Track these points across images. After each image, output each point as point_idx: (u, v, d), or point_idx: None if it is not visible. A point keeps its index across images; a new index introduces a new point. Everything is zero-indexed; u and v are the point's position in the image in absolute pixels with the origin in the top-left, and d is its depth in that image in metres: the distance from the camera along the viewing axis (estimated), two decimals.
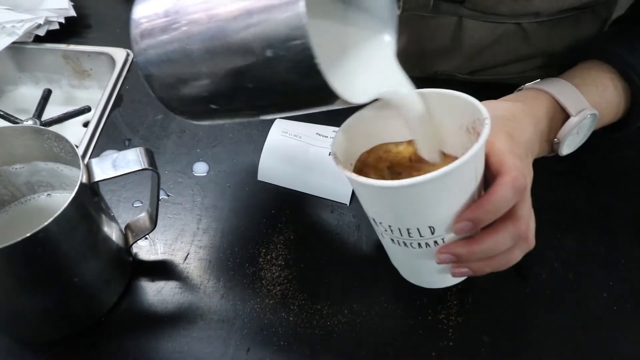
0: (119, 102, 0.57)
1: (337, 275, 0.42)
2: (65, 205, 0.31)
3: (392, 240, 0.34)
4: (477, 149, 0.29)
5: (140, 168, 0.34)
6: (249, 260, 0.43)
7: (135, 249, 0.43)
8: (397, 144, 0.37)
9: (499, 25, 0.51)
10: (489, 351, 0.38)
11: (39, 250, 0.31)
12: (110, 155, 0.35)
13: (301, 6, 0.23)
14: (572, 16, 0.50)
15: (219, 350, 0.38)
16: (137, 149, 0.35)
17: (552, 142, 0.42)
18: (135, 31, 0.29)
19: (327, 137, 0.51)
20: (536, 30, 0.51)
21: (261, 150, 0.49)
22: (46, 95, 0.62)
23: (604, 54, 0.44)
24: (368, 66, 0.31)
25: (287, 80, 0.26)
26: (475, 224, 0.31)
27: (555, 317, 0.40)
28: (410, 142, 0.37)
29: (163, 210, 0.46)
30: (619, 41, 0.44)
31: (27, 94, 0.65)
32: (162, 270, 0.42)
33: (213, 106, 0.30)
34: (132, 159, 0.35)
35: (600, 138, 0.45)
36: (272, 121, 0.52)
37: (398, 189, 0.29)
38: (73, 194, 0.31)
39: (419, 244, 0.33)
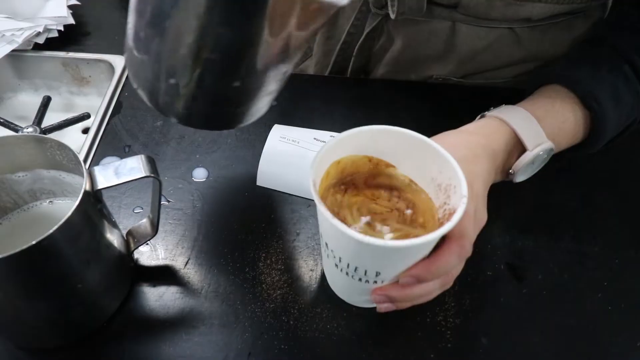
0: (118, 108, 0.57)
1: None
2: (70, 213, 0.31)
3: (336, 265, 0.36)
4: (447, 228, 0.30)
5: (142, 175, 0.35)
6: (249, 265, 0.43)
7: (136, 254, 0.44)
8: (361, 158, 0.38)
9: (492, 30, 0.52)
10: (487, 352, 0.39)
11: (43, 258, 0.31)
12: (113, 163, 0.35)
13: None
14: (564, 21, 0.51)
15: (220, 355, 0.38)
16: (139, 156, 0.36)
17: (507, 172, 0.43)
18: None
19: (324, 142, 0.51)
20: (528, 34, 0.52)
21: (260, 156, 0.50)
22: (46, 103, 0.62)
23: (566, 79, 0.44)
24: None
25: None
26: (418, 281, 0.34)
27: (552, 318, 0.41)
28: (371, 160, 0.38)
29: (163, 216, 0.47)
30: (583, 65, 0.45)
31: (26, 101, 0.66)
32: (164, 275, 0.43)
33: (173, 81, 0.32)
34: (134, 167, 0.35)
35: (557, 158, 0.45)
36: (270, 127, 0.52)
37: (367, 244, 0.30)
38: (77, 202, 0.32)
39: (360, 279, 0.35)
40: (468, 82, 0.58)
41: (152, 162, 0.36)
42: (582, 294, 0.43)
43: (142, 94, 0.36)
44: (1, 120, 0.60)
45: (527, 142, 0.41)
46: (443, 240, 0.34)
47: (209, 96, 0.34)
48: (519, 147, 0.42)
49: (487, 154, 0.39)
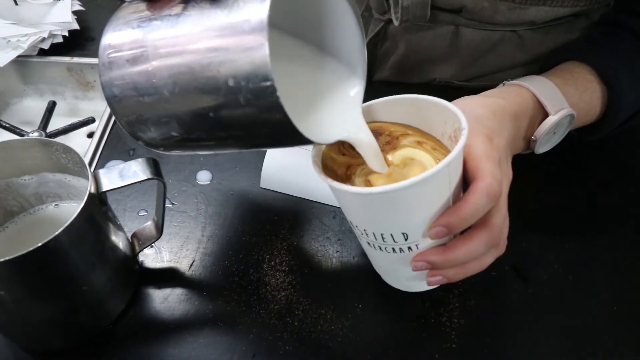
0: None
1: (340, 280, 0.43)
2: (75, 215, 0.32)
3: (369, 243, 0.35)
4: (449, 159, 0.29)
5: (147, 178, 0.35)
6: (254, 267, 0.44)
7: (141, 257, 0.44)
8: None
9: (495, 33, 0.52)
10: (491, 353, 0.39)
11: (49, 260, 0.32)
12: (117, 166, 0.36)
13: (266, 48, 0.24)
14: (566, 22, 0.51)
15: (225, 356, 0.38)
16: (143, 159, 0.36)
17: (529, 140, 0.42)
18: (103, 58, 0.30)
19: None
20: (531, 36, 0.52)
21: (263, 158, 0.50)
22: (51, 107, 0.63)
23: (585, 55, 0.45)
24: (333, 110, 0.33)
25: (250, 115, 0.27)
26: (449, 230, 0.31)
27: (556, 318, 0.41)
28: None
29: (168, 219, 0.47)
30: (600, 43, 0.45)
31: (31, 106, 0.66)
32: (168, 277, 0.43)
33: (175, 134, 0.30)
34: (138, 169, 0.35)
35: (575, 141, 0.46)
36: None
37: (371, 195, 0.29)
38: (82, 204, 0.32)
39: (393, 249, 0.33)
40: (471, 84, 0.58)
41: (156, 165, 0.36)
42: (587, 294, 0.42)
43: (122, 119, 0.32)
44: (7, 125, 0.60)
45: (549, 106, 0.40)
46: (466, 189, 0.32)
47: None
48: (540, 113, 0.41)
49: (506, 113, 0.38)
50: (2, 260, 0.29)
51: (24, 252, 0.30)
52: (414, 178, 0.28)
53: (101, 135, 0.56)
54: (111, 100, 0.30)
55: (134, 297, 0.42)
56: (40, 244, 0.30)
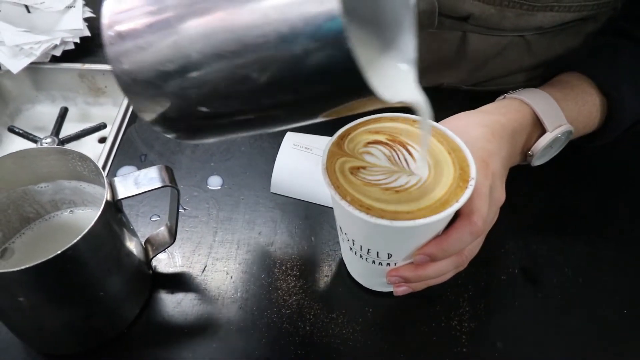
0: (134, 118, 0.58)
1: (351, 284, 0.43)
2: (92, 223, 0.32)
3: (351, 249, 0.37)
4: (455, 208, 0.31)
5: (161, 185, 0.36)
6: (265, 271, 0.44)
7: (154, 262, 0.45)
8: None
9: (503, 38, 0.52)
10: (502, 357, 0.39)
11: (68, 267, 0.32)
12: (132, 174, 0.36)
13: None
14: (574, 26, 0.51)
15: (239, 359, 0.39)
16: (158, 166, 0.37)
17: (525, 154, 0.43)
18: (107, 23, 0.24)
19: None
20: (539, 40, 0.52)
21: (273, 163, 0.51)
22: (63, 113, 0.64)
23: (586, 66, 0.45)
24: (394, 71, 0.31)
25: (307, 69, 0.21)
26: (431, 259, 0.34)
27: (567, 322, 0.41)
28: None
29: (180, 224, 0.47)
30: (602, 54, 0.46)
31: (44, 112, 0.67)
32: (181, 282, 0.44)
33: (204, 109, 0.24)
34: (153, 177, 0.36)
35: (576, 147, 0.47)
36: (283, 135, 0.53)
37: (375, 224, 0.31)
38: (99, 212, 0.33)
39: (374, 261, 0.36)
40: (479, 89, 0.59)
41: (170, 172, 0.37)
42: (597, 297, 0.43)
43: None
44: (20, 131, 0.61)
45: (547, 123, 0.41)
46: (456, 217, 0.34)
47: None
48: (538, 128, 0.42)
49: (505, 132, 0.39)
50: (22, 268, 0.30)
51: (43, 260, 0.30)
52: (423, 220, 0.31)
53: (113, 140, 0.56)
54: (122, 75, 0.24)
55: (148, 302, 0.42)
56: (59, 252, 0.31)
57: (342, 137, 0.36)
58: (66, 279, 0.33)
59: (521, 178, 0.44)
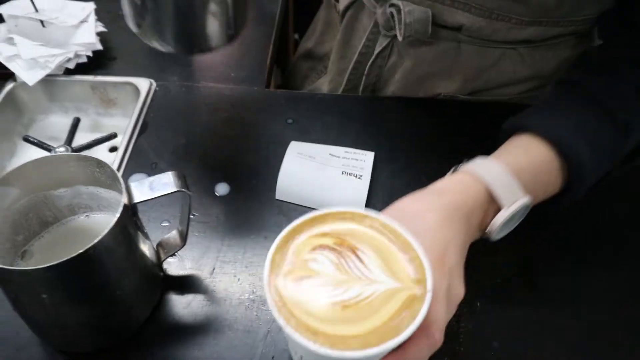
0: (144, 128, 0.61)
1: None
2: (111, 225, 0.34)
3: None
4: (409, 332, 0.29)
5: (175, 190, 0.38)
6: None
7: (165, 265, 0.47)
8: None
9: (495, 50, 0.55)
10: (499, 356, 0.41)
11: (88, 266, 0.34)
12: (147, 179, 0.39)
13: None
14: (564, 41, 0.54)
15: (246, 357, 0.41)
16: (172, 172, 0.39)
17: (483, 231, 0.40)
18: None
19: (339, 157, 0.55)
20: (531, 53, 0.55)
21: (278, 171, 0.53)
22: (75, 123, 0.66)
23: (539, 128, 0.41)
24: None
25: None
26: None
27: (563, 322, 0.43)
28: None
29: (189, 229, 0.49)
30: (555, 112, 0.43)
31: (56, 122, 0.69)
32: (191, 284, 0.46)
33: None
34: (167, 182, 0.38)
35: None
36: (287, 144, 0.56)
37: (322, 355, 0.29)
38: (118, 215, 0.35)
39: None
40: (474, 98, 0.61)
41: (183, 178, 0.39)
42: (591, 298, 0.45)
43: None
44: (35, 141, 0.64)
45: (503, 199, 0.38)
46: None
47: None
48: (494, 204, 0.39)
49: (460, 213, 0.37)
50: (46, 265, 0.32)
51: (66, 258, 0.33)
52: (373, 350, 0.28)
53: (125, 149, 0.59)
54: None
55: (159, 303, 0.44)
56: (80, 251, 0.33)
57: (286, 241, 0.34)
58: (86, 278, 0.35)
59: None
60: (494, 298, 0.44)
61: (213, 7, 0.43)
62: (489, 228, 0.39)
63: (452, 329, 0.42)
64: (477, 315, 0.43)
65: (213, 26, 0.45)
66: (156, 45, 0.44)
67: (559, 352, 0.41)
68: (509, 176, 0.39)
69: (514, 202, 0.38)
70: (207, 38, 0.45)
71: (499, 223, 0.38)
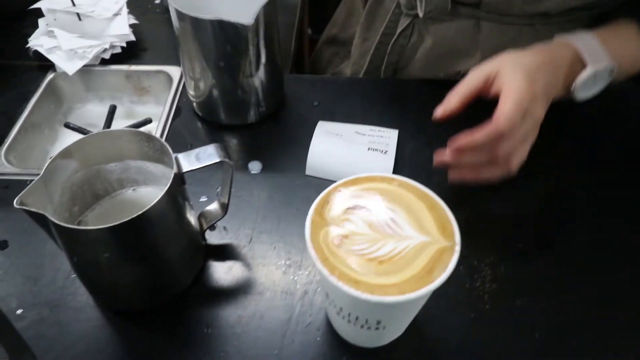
0: (178, 113, 0.64)
1: None
2: (164, 190, 0.38)
3: (338, 314, 0.38)
4: (443, 279, 0.32)
5: (220, 160, 0.41)
6: (303, 242, 0.49)
7: (206, 235, 0.50)
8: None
9: (513, 27, 0.57)
10: (521, 312, 0.44)
11: (144, 227, 0.38)
12: (194, 150, 0.42)
13: None
14: (580, 17, 0.56)
15: (285, 315, 0.44)
16: (215, 144, 0.42)
17: (569, 89, 0.48)
18: None
19: (364, 134, 0.57)
20: (548, 30, 0.57)
21: (307, 150, 0.56)
22: (112, 110, 0.70)
23: (632, 11, 0.49)
24: None
25: None
26: (463, 150, 0.44)
27: (582, 281, 0.46)
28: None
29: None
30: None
31: (93, 111, 0.73)
32: (230, 252, 0.49)
33: None
34: (211, 153, 0.42)
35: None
36: (315, 124, 0.59)
37: (364, 300, 0.32)
38: (170, 182, 0.38)
39: (362, 326, 0.37)
40: None
41: (225, 149, 0.42)
42: (612, 261, 0.47)
43: None
44: (75, 127, 0.68)
45: (588, 58, 0.45)
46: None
47: None
48: (581, 66, 0.46)
49: (549, 63, 0.45)
50: (109, 225, 0.35)
51: (126, 219, 0.36)
52: (410, 295, 0.32)
53: (161, 133, 0.62)
54: None
55: (203, 269, 0.48)
56: (139, 213, 0.36)
57: (323, 205, 0.37)
58: (141, 239, 0.39)
59: (536, 151, 0.48)
60: (517, 262, 0.47)
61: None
62: (573, 84, 0.47)
63: (478, 290, 0.45)
64: (501, 278, 0.46)
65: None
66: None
67: (578, 307, 0.44)
68: (596, 41, 0.46)
69: (597, 62, 0.45)
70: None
71: (583, 78, 0.46)
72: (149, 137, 0.43)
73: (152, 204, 0.37)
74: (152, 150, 0.44)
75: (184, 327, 0.44)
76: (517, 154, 0.44)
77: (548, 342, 0.42)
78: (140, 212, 0.36)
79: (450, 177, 0.46)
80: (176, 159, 0.41)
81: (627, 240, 0.49)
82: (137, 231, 0.38)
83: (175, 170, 0.40)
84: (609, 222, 0.50)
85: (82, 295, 0.45)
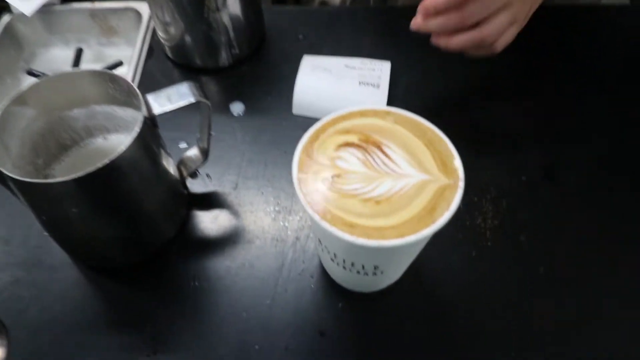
0: (150, 53, 0.59)
1: None
2: (134, 136, 0.34)
3: (332, 260, 0.35)
4: (447, 217, 0.29)
5: (194, 100, 0.37)
6: (292, 186, 0.46)
7: (188, 184, 0.47)
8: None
9: None
10: (524, 248, 0.41)
11: (113, 177, 0.34)
12: (163, 90, 0.37)
13: None
14: None
15: (276, 263, 0.41)
16: (188, 82, 0.38)
17: None
18: None
19: (355, 68, 0.53)
20: None
21: (294, 86, 0.51)
22: (79, 54, 0.64)
23: None
24: None
25: None
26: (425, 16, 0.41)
27: (585, 214, 0.43)
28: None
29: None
30: None
31: (58, 55, 0.67)
32: (215, 200, 0.46)
33: None
34: (185, 92, 0.37)
35: None
36: (300, 59, 0.54)
37: (360, 245, 0.29)
38: (139, 127, 0.34)
39: (358, 272, 0.34)
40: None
41: (200, 88, 0.38)
42: (615, 190, 0.44)
43: None
44: (39, 74, 0.62)
45: None
46: None
47: None
48: None
49: None
50: (73, 177, 0.32)
51: (93, 169, 0.32)
52: (410, 238, 0.28)
53: (132, 77, 0.57)
54: None
55: (187, 219, 0.44)
56: (106, 161, 0.33)
57: (311, 142, 0.33)
58: (111, 191, 0.35)
59: (544, 94, 0.44)
60: (518, 197, 0.44)
61: None
62: None
63: (479, 227, 0.43)
64: (503, 213, 0.43)
65: None
66: None
67: (582, 240, 0.42)
68: None
69: None
70: None
71: None
72: (112, 78, 0.38)
73: (119, 151, 0.33)
74: (119, 92, 0.39)
75: (169, 282, 0.41)
76: (500, 31, 0.41)
77: (553, 278, 0.40)
78: (106, 162, 0.33)
79: (432, 40, 0.44)
80: (145, 100, 0.37)
81: (637, 165, 0.46)
82: (106, 182, 0.34)
83: (144, 113, 0.36)
84: (618, 155, 0.47)
85: (58, 254, 0.42)
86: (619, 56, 0.55)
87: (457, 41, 0.42)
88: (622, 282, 0.40)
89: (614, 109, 0.50)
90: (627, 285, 0.40)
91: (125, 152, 0.33)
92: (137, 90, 0.37)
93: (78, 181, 0.32)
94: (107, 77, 0.38)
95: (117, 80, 0.38)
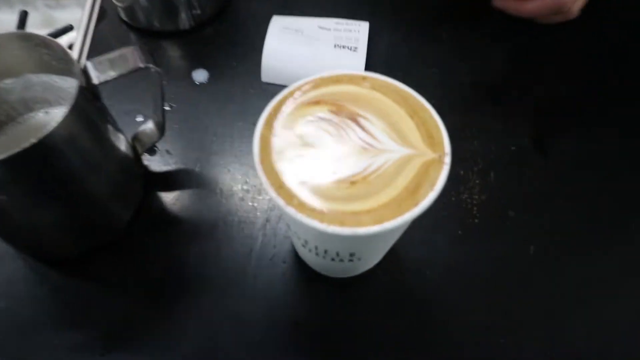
0: (102, 15, 0.53)
1: None
2: (68, 109, 0.29)
3: (304, 246, 0.32)
4: (432, 198, 0.26)
5: (141, 66, 0.32)
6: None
7: (146, 162, 0.42)
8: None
9: None
10: (513, 224, 0.38)
11: (47, 158, 0.29)
12: (105, 56, 0.33)
13: None
14: None
15: (245, 248, 0.38)
16: (134, 47, 0.33)
17: None
18: None
19: (329, 29, 0.48)
20: None
21: (262, 51, 0.46)
22: (23, 18, 0.57)
23: None
24: None
25: None
26: None
27: (576, 186, 0.40)
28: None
29: (169, 121, 0.44)
30: None
31: (1, 20, 0.61)
32: (176, 179, 0.42)
33: None
34: (130, 58, 0.32)
35: None
36: (268, 20, 0.49)
37: (331, 233, 0.25)
38: (73, 98, 0.29)
39: (332, 259, 0.31)
40: None
41: (149, 52, 0.33)
42: (606, 163, 0.41)
43: None
44: None
45: None
46: None
47: None
48: None
49: None
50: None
51: (19, 150, 0.27)
52: (390, 224, 0.25)
53: (82, 43, 0.51)
54: None
55: (144, 201, 0.40)
56: (35, 141, 0.28)
57: (275, 115, 0.29)
58: (47, 172, 0.30)
59: (534, 60, 0.40)
60: (507, 168, 0.41)
61: None
62: None
63: (465, 203, 0.39)
64: (491, 187, 0.40)
65: None
66: None
67: (575, 216, 0.39)
68: None
69: None
70: None
71: None
72: (46, 42, 0.33)
73: (49, 128, 0.28)
74: (55, 59, 0.34)
75: (125, 272, 0.37)
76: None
77: (544, 256, 0.37)
78: (34, 141, 0.28)
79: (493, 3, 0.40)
80: (84, 68, 0.32)
81: (629, 140, 0.43)
82: (38, 164, 0.29)
83: (81, 82, 0.31)
84: (609, 123, 0.44)
85: (1, 244, 0.38)
86: (616, 21, 0.51)
87: (532, 7, 0.37)
88: (616, 261, 0.37)
89: (609, 76, 0.47)
90: (622, 265, 0.37)
91: (57, 128, 0.28)
92: (73, 57, 0.32)
93: (3, 163, 0.27)
94: (40, 41, 0.33)
95: (50, 45, 0.33)
